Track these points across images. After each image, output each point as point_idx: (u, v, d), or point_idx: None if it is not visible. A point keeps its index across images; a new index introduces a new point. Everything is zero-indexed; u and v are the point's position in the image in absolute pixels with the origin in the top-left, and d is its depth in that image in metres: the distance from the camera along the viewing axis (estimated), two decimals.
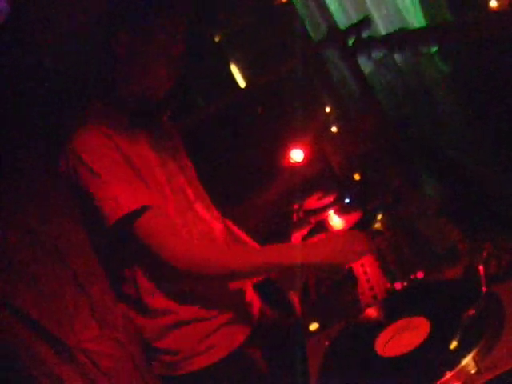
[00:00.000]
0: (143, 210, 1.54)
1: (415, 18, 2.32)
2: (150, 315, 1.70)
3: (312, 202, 2.76)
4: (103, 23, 1.63)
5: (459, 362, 1.15)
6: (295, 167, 3.17)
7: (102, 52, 1.65)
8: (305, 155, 3.17)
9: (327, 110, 3.47)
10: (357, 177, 2.77)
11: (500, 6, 1.83)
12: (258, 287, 1.96)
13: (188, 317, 1.70)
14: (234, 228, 2.10)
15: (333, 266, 1.70)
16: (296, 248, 1.79)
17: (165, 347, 1.72)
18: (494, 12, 1.77)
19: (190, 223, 1.75)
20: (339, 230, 1.79)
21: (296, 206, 2.83)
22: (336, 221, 2.43)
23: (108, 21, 1.63)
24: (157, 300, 1.69)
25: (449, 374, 1.15)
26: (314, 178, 3.07)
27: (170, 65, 1.68)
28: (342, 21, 3.12)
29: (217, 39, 3.87)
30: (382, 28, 2.80)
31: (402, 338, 1.35)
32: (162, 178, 1.70)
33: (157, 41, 1.63)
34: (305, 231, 2.48)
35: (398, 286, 1.64)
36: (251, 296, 1.90)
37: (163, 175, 1.71)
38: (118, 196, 1.53)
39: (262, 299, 2.00)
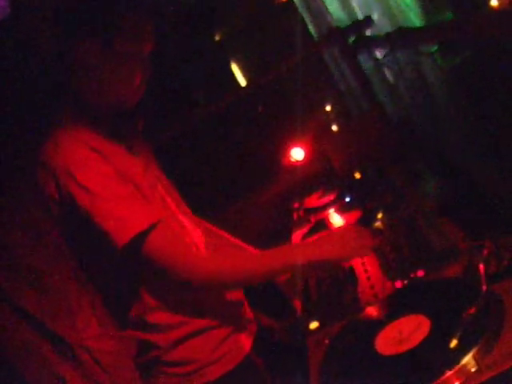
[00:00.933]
0: (152, 227, 1.50)
1: (415, 17, 2.32)
2: (160, 330, 1.66)
3: (312, 201, 2.76)
4: (61, 31, 1.56)
5: (459, 361, 1.15)
6: (296, 166, 3.17)
7: (65, 64, 1.59)
8: (305, 154, 3.17)
9: (328, 108, 3.47)
10: (357, 175, 2.78)
11: (500, 4, 1.83)
12: (255, 288, 1.95)
13: (200, 326, 1.68)
14: (215, 229, 2.07)
15: (343, 261, 1.74)
16: (307, 246, 1.79)
17: (178, 358, 1.67)
18: (495, 11, 1.77)
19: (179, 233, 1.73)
20: (346, 225, 1.79)
21: (296, 205, 2.83)
22: (336, 219, 2.43)
23: (67, 29, 1.54)
24: (166, 315, 1.65)
25: (449, 373, 1.15)
26: (314, 177, 3.08)
27: (141, 67, 1.62)
28: (343, 20, 3.13)
29: (217, 38, 3.87)
30: (382, 27, 2.80)
31: (403, 336, 1.36)
32: (146, 189, 1.65)
33: (125, 44, 1.55)
34: (305, 230, 2.48)
35: (398, 284, 1.64)
36: (246, 305, 1.90)
37: (146, 186, 1.66)
38: (123, 216, 1.48)
39: (258, 305, 2.00)
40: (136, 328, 1.67)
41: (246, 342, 1.79)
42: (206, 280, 1.58)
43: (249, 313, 1.88)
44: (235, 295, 1.83)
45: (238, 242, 2.10)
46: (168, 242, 1.55)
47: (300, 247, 1.80)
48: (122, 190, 1.53)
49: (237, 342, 1.76)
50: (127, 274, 1.62)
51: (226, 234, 2.09)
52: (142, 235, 1.49)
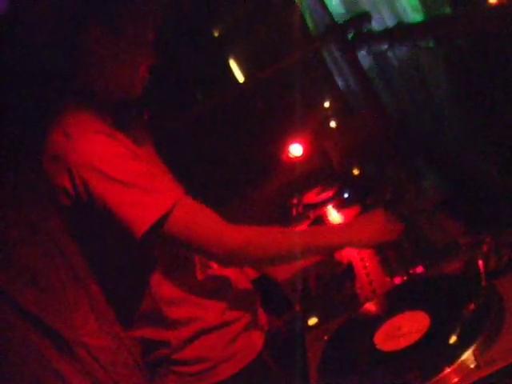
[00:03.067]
0: (173, 207, 1.47)
1: (414, 12, 2.32)
2: (171, 327, 1.62)
3: (311, 197, 2.76)
4: (68, 19, 1.53)
5: (459, 357, 1.15)
6: (294, 162, 3.17)
7: (70, 50, 1.55)
8: (304, 150, 3.17)
9: (326, 104, 3.47)
10: (356, 172, 2.77)
11: None
12: (255, 284, 1.94)
13: (213, 323, 1.65)
14: None
15: (375, 244, 1.74)
16: (342, 229, 1.78)
17: (190, 357, 1.64)
18: (493, 6, 1.76)
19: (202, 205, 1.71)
20: (377, 210, 1.78)
21: (295, 201, 2.83)
22: (335, 216, 2.43)
23: (74, 17, 1.52)
24: (177, 310, 1.62)
25: (448, 369, 1.15)
26: (313, 173, 3.08)
27: (146, 54, 1.60)
28: (342, 15, 3.12)
29: (216, 34, 3.86)
30: (381, 22, 2.79)
31: (402, 332, 1.35)
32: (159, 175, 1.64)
33: (130, 30, 1.54)
34: (304, 226, 2.48)
35: (397, 280, 1.64)
36: (258, 302, 1.89)
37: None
38: (142, 200, 1.46)
39: (265, 307, 1.98)
40: (145, 325, 1.64)
41: (258, 339, 1.76)
42: (242, 249, 1.54)
43: (261, 310, 1.87)
44: (248, 291, 1.81)
45: None
46: (194, 216, 1.52)
47: (338, 229, 1.78)
48: (138, 168, 1.50)
49: (249, 339, 1.73)
50: (140, 264, 1.59)
51: None
52: (164, 218, 1.46)
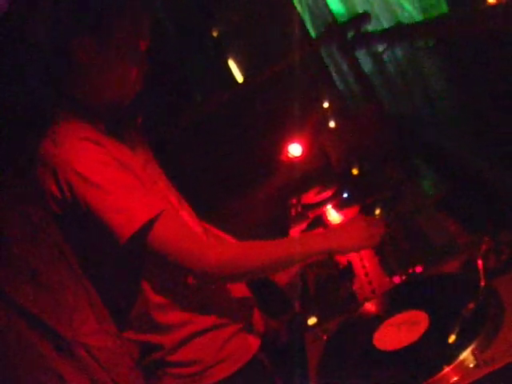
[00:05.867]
0: (155, 218, 1.47)
1: (413, 12, 2.32)
2: (164, 331, 1.63)
3: (310, 197, 2.76)
4: (56, 29, 1.52)
5: (458, 356, 1.15)
6: (293, 162, 3.17)
7: (59, 60, 1.56)
8: (303, 150, 3.17)
9: (325, 104, 3.46)
10: (355, 171, 2.77)
11: None
12: (253, 285, 1.94)
13: (206, 325, 1.65)
14: (213, 229, 2.04)
15: (357, 250, 1.78)
16: (322, 236, 1.77)
17: (183, 359, 1.64)
18: (492, 5, 1.76)
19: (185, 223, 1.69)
20: (357, 217, 1.80)
21: (294, 201, 2.82)
22: (334, 215, 2.43)
23: (63, 26, 1.51)
24: (170, 314, 1.62)
25: (447, 368, 1.15)
26: (312, 173, 3.08)
27: (138, 62, 1.60)
28: (341, 15, 3.12)
29: (215, 34, 3.86)
30: (380, 22, 2.80)
31: (401, 332, 1.36)
32: (147, 184, 1.61)
33: (121, 40, 1.54)
34: (303, 226, 2.48)
35: (396, 280, 1.64)
36: (254, 303, 1.89)
37: (147, 181, 1.63)
38: (127, 207, 1.45)
39: (264, 307, 1.98)
40: (138, 328, 1.64)
41: (253, 341, 1.76)
42: (217, 268, 1.54)
43: (257, 312, 1.86)
44: (242, 293, 1.81)
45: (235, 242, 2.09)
46: (174, 231, 1.52)
47: (319, 236, 1.79)
48: (123, 178, 1.50)
49: (244, 341, 1.73)
50: (129, 270, 1.59)
51: (223, 235, 2.07)
52: (147, 226, 1.46)
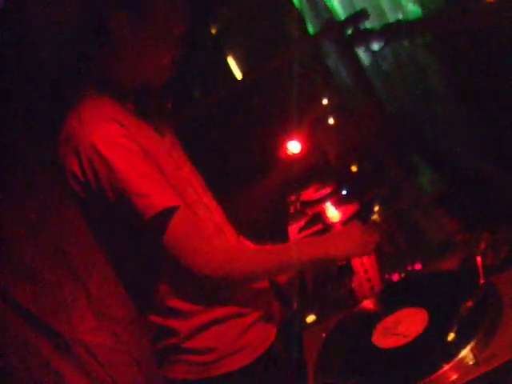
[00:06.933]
0: (174, 209, 1.48)
1: (412, 9, 2.31)
2: (182, 317, 1.61)
3: (309, 194, 2.76)
4: (94, 4, 1.51)
5: (457, 354, 1.15)
6: (292, 159, 3.17)
7: (94, 36, 1.54)
8: (302, 147, 3.16)
9: (324, 101, 3.46)
10: (354, 169, 2.77)
11: None
12: None
13: (224, 314, 1.63)
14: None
15: (353, 257, 1.77)
16: (318, 243, 1.76)
17: (199, 346, 1.62)
18: (491, 2, 1.76)
19: (205, 217, 1.68)
20: (353, 223, 1.79)
21: (293, 198, 2.82)
22: (333, 213, 2.42)
23: (101, 2, 1.51)
24: (187, 302, 1.61)
25: (446, 366, 1.15)
26: (310, 170, 3.07)
27: (172, 47, 1.59)
28: (340, 12, 3.12)
29: (214, 31, 3.86)
30: (378, 19, 2.79)
31: (400, 329, 1.35)
32: (171, 170, 1.61)
33: (157, 21, 1.53)
34: (301, 223, 2.47)
35: (395, 277, 1.63)
36: (272, 293, 1.88)
37: (172, 167, 1.63)
38: (149, 193, 1.45)
39: None
40: (156, 313, 1.62)
41: (271, 331, 1.74)
42: (218, 274, 1.54)
43: (274, 301, 1.85)
44: (262, 284, 1.79)
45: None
46: (191, 227, 1.52)
47: (315, 243, 1.78)
48: (146, 169, 1.49)
49: (261, 331, 1.70)
50: (149, 254, 1.57)
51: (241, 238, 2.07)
52: (169, 211, 1.46)
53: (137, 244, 1.56)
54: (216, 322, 1.62)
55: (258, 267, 1.62)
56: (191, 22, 1.60)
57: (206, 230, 1.63)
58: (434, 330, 1.28)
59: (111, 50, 1.55)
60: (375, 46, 2.92)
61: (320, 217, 2.43)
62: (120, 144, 1.47)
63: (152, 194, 1.46)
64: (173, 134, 1.81)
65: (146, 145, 1.54)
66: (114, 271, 1.72)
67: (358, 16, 2.96)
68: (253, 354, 1.66)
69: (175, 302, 1.60)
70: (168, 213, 1.47)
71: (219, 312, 1.62)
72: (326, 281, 1.87)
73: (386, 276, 1.67)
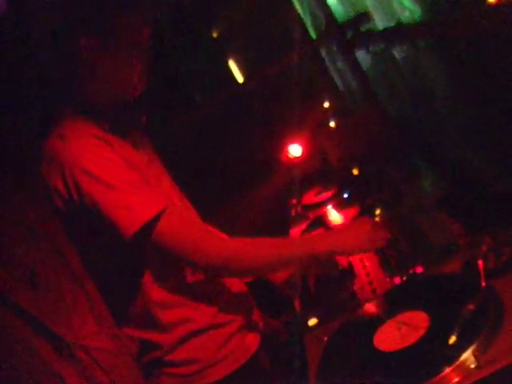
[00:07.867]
0: (160, 214, 1.49)
1: (413, 12, 2.32)
2: (163, 329, 1.63)
3: (310, 197, 2.75)
4: (63, 29, 1.54)
5: (458, 357, 1.15)
6: (293, 162, 3.16)
7: (65, 59, 1.58)
8: (303, 150, 3.16)
9: (325, 104, 3.46)
10: (355, 172, 2.77)
11: None
12: (253, 285, 1.93)
13: (205, 324, 1.65)
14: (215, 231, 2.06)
15: (361, 253, 1.77)
16: (326, 237, 1.77)
17: (181, 358, 1.64)
18: (492, 5, 1.76)
19: (191, 216, 1.72)
20: (363, 219, 1.78)
21: (294, 201, 2.82)
22: (334, 216, 2.42)
23: (68, 26, 1.54)
24: (169, 313, 1.63)
25: (448, 369, 1.15)
26: (312, 173, 3.07)
27: (138, 60, 1.61)
28: (341, 15, 3.12)
29: (215, 34, 3.86)
30: (380, 22, 2.79)
31: (401, 332, 1.35)
32: (152, 178, 1.65)
33: (121, 41, 1.56)
34: (303, 226, 2.47)
35: (397, 280, 1.63)
36: (253, 303, 1.88)
37: (152, 179, 1.65)
38: (134, 203, 1.47)
39: (264, 308, 1.98)
40: (137, 326, 1.65)
41: (252, 340, 1.76)
42: (220, 261, 1.55)
43: (256, 312, 1.86)
44: (241, 292, 1.81)
45: None
46: (179, 225, 1.54)
47: (323, 236, 1.78)
48: (130, 176, 1.52)
49: (243, 340, 1.72)
50: (131, 266, 1.61)
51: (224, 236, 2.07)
52: (153, 222, 1.48)
53: (118, 259, 1.59)
54: (196, 332, 1.64)
55: (265, 257, 1.63)
56: (155, 30, 1.63)
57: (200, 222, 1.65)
58: (436, 333, 1.28)
59: (80, 71, 1.57)
60: (376, 49, 2.92)
61: (321, 220, 2.43)
62: (104, 157, 1.50)
63: (138, 204, 1.48)
64: (150, 147, 1.82)
65: (128, 157, 1.57)
66: (97, 288, 1.75)
67: (359, 19, 2.96)
68: (234, 364, 1.68)
69: (156, 315, 1.62)
70: (156, 218, 1.48)
71: (198, 323, 1.65)
72: (327, 284, 1.87)
73: (388, 279, 1.67)
